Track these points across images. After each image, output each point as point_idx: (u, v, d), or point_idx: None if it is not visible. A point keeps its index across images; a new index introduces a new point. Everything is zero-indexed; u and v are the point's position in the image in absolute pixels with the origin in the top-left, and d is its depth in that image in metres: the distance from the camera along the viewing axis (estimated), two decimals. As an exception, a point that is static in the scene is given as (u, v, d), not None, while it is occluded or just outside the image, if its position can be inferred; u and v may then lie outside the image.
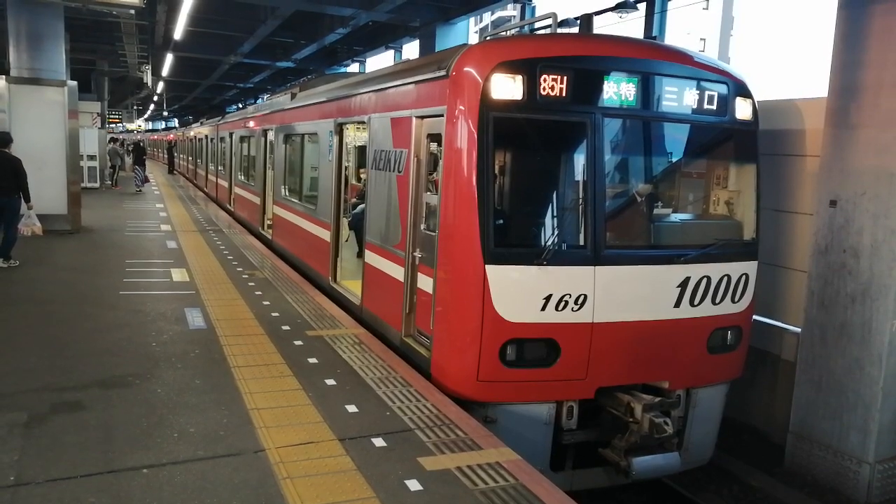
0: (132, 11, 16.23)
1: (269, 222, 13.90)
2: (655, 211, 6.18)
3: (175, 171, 39.44)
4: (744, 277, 6.17)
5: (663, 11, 13.40)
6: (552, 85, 5.40)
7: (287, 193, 12.21)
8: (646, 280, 5.76)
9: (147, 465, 4.08)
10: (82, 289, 8.65)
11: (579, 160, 5.73)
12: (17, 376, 5.48)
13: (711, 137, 6.33)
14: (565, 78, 5.43)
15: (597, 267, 5.55)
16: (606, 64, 5.68)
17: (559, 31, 6.57)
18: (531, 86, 5.37)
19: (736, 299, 6.16)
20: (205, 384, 5.47)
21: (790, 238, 7.61)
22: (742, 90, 6.19)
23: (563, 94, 5.45)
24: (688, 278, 5.84)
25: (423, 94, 6.36)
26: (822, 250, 6.73)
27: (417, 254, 6.39)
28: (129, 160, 31.72)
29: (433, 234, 6.00)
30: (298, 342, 6.69)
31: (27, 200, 10.17)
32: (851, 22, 6.50)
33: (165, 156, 43.83)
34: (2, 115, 12.63)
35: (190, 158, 33.13)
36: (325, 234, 9.31)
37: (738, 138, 6.30)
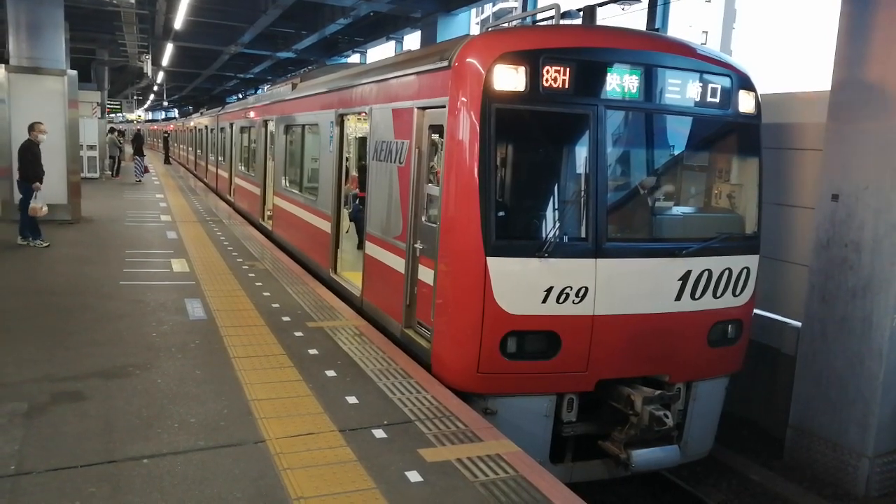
0: (132, 0, 16.19)
1: (269, 213, 13.88)
2: (657, 204, 6.17)
3: (171, 160, 39.33)
4: (745, 271, 6.16)
5: (666, 4, 13.33)
6: (555, 76, 5.38)
7: (287, 184, 12.18)
8: (647, 273, 5.75)
9: (147, 455, 4.08)
10: (82, 279, 8.64)
11: (581, 152, 5.71)
12: (18, 366, 5.48)
13: (714, 130, 6.30)
14: (568, 69, 5.41)
15: (598, 259, 5.54)
16: (609, 56, 5.64)
17: (562, 22, 6.52)
18: (534, 77, 5.34)
19: (737, 293, 6.16)
20: (205, 375, 5.47)
21: (791, 232, 7.60)
22: (745, 83, 6.16)
23: (566, 86, 5.43)
24: (689, 271, 5.83)
25: (425, 84, 6.33)
26: (823, 245, 6.72)
27: (418, 245, 6.38)
28: (129, 150, 31.58)
29: (434, 225, 5.98)
30: (298, 333, 6.69)
31: (32, 181, 10.26)
32: (855, 16, 6.46)
33: (161, 146, 43.69)
34: (1, 104, 12.60)
35: (190, 149, 33.05)
36: (326, 225, 9.29)
37: (741, 131, 6.28)
